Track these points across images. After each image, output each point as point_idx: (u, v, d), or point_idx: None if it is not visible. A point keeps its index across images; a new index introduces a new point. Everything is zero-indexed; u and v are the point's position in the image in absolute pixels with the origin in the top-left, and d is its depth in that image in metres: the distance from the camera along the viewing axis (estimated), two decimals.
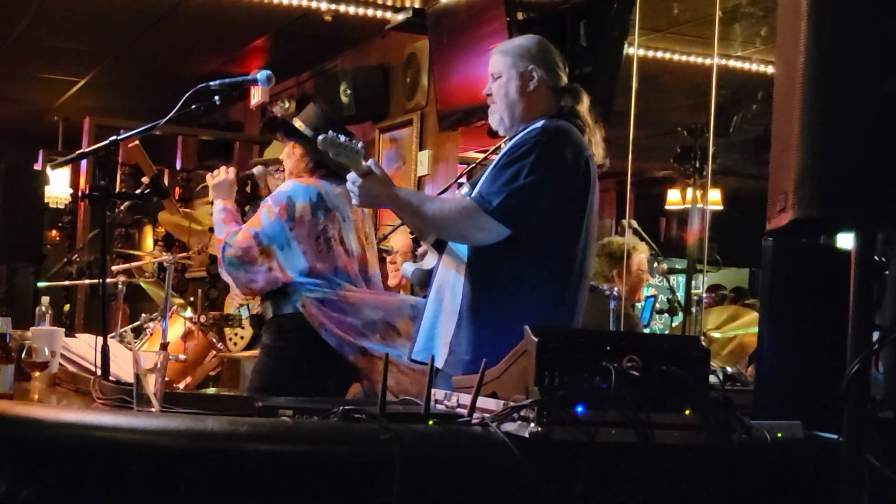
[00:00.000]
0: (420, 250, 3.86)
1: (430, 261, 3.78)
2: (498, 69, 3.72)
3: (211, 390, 5.91)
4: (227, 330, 6.39)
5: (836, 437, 2.46)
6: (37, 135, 11.95)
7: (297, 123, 4.66)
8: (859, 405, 2.31)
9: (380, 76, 8.43)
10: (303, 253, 4.41)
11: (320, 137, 3.42)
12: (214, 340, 5.61)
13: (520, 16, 6.68)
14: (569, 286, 3.58)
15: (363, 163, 3.46)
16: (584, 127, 3.68)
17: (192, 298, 6.60)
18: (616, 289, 5.89)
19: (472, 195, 3.54)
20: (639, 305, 6.74)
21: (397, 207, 3.62)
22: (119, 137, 3.53)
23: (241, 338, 6.58)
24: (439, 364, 3.50)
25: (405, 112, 8.08)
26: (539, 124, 3.59)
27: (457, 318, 3.58)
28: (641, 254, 6.21)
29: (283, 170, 6.62)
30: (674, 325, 7.01)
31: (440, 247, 3.73)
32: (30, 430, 2.39)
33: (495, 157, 3.68)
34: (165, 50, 9.43)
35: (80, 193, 9.38)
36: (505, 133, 3.75)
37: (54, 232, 11.72)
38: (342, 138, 3.44)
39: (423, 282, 3.86)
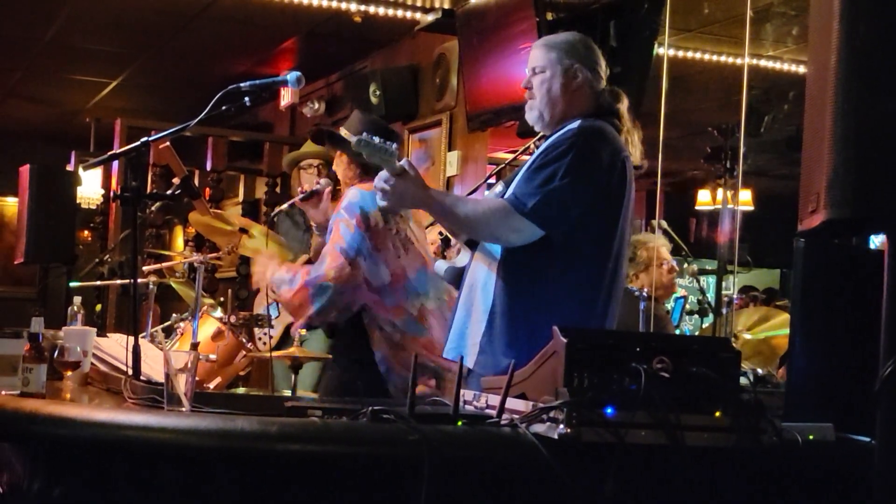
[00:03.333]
0: (452, 247, 3.85)
1: (462, 258, 3.76)
2: (541, 63, 3.67)
3: (241, 390, 5.91)
4: (255, 330, 6.40)
5: (868, 439, 2.45)
6: (69, 136, 12.02)
7: (343, 132, 4.67)
8: (892, 407, 2.29)
9: (409, 77, 8.43)
10: (384, 262, 4.39)
11: (355, 139, 3.41)
12: (244, 340, 5.61)
13: (549, 16, 6.67)
14: (602, 287, 3.54)
15: (397, 163, 3.46)
16: (621, 127, 3.65)
17: (221, 298, 6.62)
18: (646, 289, 5.87)
19: (506, 196, 3.51)
20: (668, 306, 6.71)
21: (430, 208, 3.60)
22: (150, 139, 3.55)
23: (270, 337, 6.59)
24: (469, 364, 3.49)
25: (434, 112, 8.08)
26: (576, 124, 3.55)
27: (488, 318, 3.55)
28: (662, 247, 6.16)
29: (316, 165, 6.65)
30: (704, 326, 6.98)
31: (472, 245, 3.71)
32: (62, 429, 2.41)
33: (529, 157, 3.65)
34: (196, 51, 9.47)
35: (111, 194, 9.43)
36: (541, 130, 3.71)
37: (86, 232, 11.79)
38: (376, 139, 3.42)
39: (455, 279, 3.85)
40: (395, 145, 3.44)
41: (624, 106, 3.70)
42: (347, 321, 4.54)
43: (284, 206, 4.84)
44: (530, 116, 3.71)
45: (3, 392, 3.02)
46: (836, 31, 2.25)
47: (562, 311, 3.44)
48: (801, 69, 7.52)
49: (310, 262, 6.42)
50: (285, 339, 6.44)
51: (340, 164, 4.68)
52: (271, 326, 6.40)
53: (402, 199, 3.54)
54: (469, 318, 3.62)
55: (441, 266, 4.03)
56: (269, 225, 6.14)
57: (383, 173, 3.47)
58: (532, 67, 3.70)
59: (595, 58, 3.72)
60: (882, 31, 2.22)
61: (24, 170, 8.00)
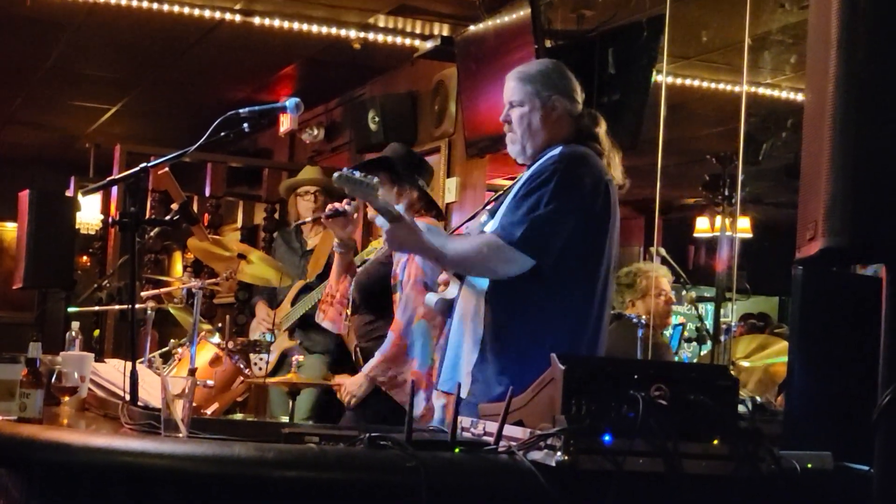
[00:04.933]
0: (441, 279, 3.86)
1: (451, 290, 3.77)
2: (518, 97, 3.68)
3: (238, 416, 5.91)
4: (252, 356, 6.39)
5: (866, 468, 2.44)
6: (68, 161, 12.04)
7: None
8: (891, 436, 2.29)
9: (408, 103, 8.45)
10: None
11: (335, 175, 3.43)
12: (242, 366, 5.61)
13: (548, 43, 6.69)
14: (591, 311, 3.55)
15: (380, 197, 3.47)
16: (602, 151, 3.65)
17: (220, 324, 6.62)
18: (644, 317, 5.87)
19: (493, 228, 3.53)
20: (667, 333, 6.71)
21: (424, 252, 3.64)
22: (149, 164, 3.55)
23: (267, 363, 6.59)
24: (463, 394, 3.48)
25: (433, 139, 8.09)
26: (557, 151, 3.56)
27: (479, 347, 3.56)
28: (662, 277, 6.18)
29: (313, 192, 6.65)
30: (702, 353, 6.98)
31: (461, 276, 3.72)
32: (59, 455, 2.40)
33: (514, 185, 3.67)
34: (195, 78, 9.49)
35: (110, 220, 9.43)
36: (524, 162, 3.72)
37: (85, 258, 11.78)
38: (356, 174, 3.44)
39: (445, 311, 3.86)
40: (375, 179, 3.45)
41: (602, 129, 3.71)
42: None
43: (309, 219, 4.84)
44: (512, 150, 3.73)
45: (1, 417, 3.02)
46: (834, 60, 2.25)
47: (551, 337, 3.44)
48: (799, 97, 7.55)
49: (307, 286, 6.44)
50: (281, 365, 6.44)
51: (391, 194, 4.69)
52: (268, 352, 6.41)
53: (398, 245, 3.60)
54: (461, 348, 3.62)
55: (431, 298, 4.06)
56: (266, 249, 6.15)
57: (380, 220, 3.50)
58: (509, 101, 3.71)
59: (570, 84, 3.73)
60: (879, 59, 2.23)
61: (24, 195, 8.00)
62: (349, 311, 4.83)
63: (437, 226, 4.42)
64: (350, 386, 4.81)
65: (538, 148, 3.65)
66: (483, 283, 3.60)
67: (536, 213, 3.43)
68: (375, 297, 4.82)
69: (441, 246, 3.57)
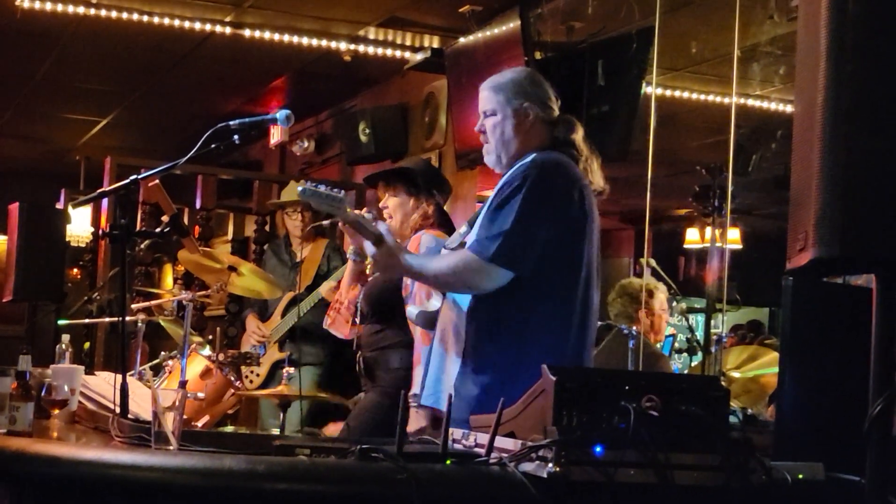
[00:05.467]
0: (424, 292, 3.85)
1: (434, 303, 3.76)
2: (491, 106, 3.67)
3: (229, 429, 5.90)
4: (242, 368, 6.39)
5: (858, 478, 2.44)
6: (59, 174, 12.01)
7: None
8: (882, 446, 2.29)
9: (398, 115, 8.46)
10: None
11: (299, 188, 3.42)
12: (232, 379, 5.60)
13: (538, 55, 6.71)
14: (573, 319, 3.51)
15: (349, 211, 3.46)
16: (578, 156, 3.63)
17: (210, 337, 6.61)
18: (636, 328, 5.88)
19: (469, 244, 3.51)
20: (657, 345, 6.71)
21: (408, 275, 3.66)
22: (139, 177, 3.55)
23: (258, 375, 6.58)
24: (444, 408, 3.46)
25: (423, 151, 8.09)
26: (529, 159, 3.55)
27: (462, 361, 3.56)
28: (661, 293, 6.21)
29: (300, 210, 6.65)
30: (693, 364, 6.98)
31: None
32: (49, 468, 2.39)
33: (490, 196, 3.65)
34: (186, 90, 9.49)
35: (100, 232, 9.41)
36: (501, 171, 3.70)
37: (75, 270, 11.75)
38: (321, 188, 3.43)
39: (427, 324, 3.85)
40: (342, 192, 3.45)
41: (579, 135, 3.68)
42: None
43: (326, 222, 4.84)
44: (489, 160, 3.72)
45: None
46: (823, 71, 2.26)
47: (534, 347, 3.41)
48: (789, 108, 7.57)
49: (296, 298, 6.45)
50: (272, 377, 6.44)
51: (408, 205, 4.68)
52: (258, 364, 6.40)
53: (388, 270, 3.64)
54: (444, 361, 3.62)
55: (413, 311, 4.06)
56: (257, 261, 6.14)
57: (368, 246, 3.51)
58: (483, 111, 3.70)
59: (543, 91, 3.71)
60: (868, 70, 2.24)
61: (14, 207, 7.98)
62: (357, 319, 4.82)
63: (445, 239, 4.42)
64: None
65: (513, 156, 3.63)
66: (464, 296, 3.59)
67: (509, 225, 3.40)
68: (384, 307, 4.80)
69: (420, 267, 3.57)
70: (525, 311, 3.46)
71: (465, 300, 3.61)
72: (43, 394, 3.47)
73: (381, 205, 4.75)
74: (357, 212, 3.59)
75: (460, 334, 3.58)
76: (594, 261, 3.61)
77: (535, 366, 3.29)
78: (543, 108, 3.67)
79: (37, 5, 7.16)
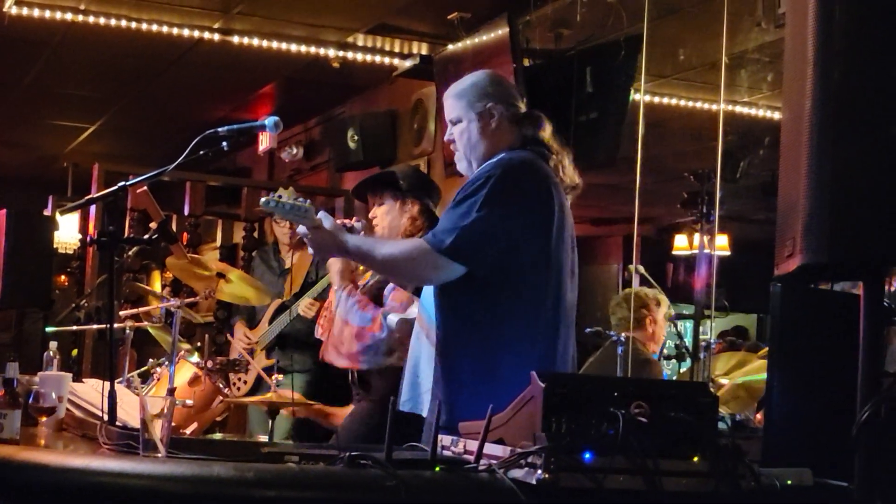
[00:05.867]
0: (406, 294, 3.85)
1: (413, 310, 3.76)
2: (455, 114, 3.65)
3: (217, 436, 5.89)
4: (230, 375, 6.38)
5: (846, 484, 2.45)
6: (46, 180, 11.99)
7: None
8: (870, 452, 2.30)
9: (387, 122, 8.46)
10: None
11: (263, 199, 3.42)
12: (221, 386, 5.59)
13: (526, 62, 6.72)
14: (542, 320, 3.44)
15: (315, 218, 3.45)
16: (548, 153, 3.58)
17: (199, 344, 6.60)
18: (625, 334, 5.89)
19: (425, 235, 3.48)
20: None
21: (349, 254, 3.60)
22: (128, 183, 3.54)
23: (245, 382, 6.57)
24: (423, 412, 3.44)
25: (412, 158, 8.10)
26: (496, 158, 3.52)
27: (433, 366, 3.51)
28: (665, 305, 6.27)
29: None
30: (681, 370, 6.98)
31: (418, 294, 3.70)
32: (36, 476, 2.39)
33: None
34: (174, 96, 9.49)
35: (88, 238, 9.40)
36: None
37: (63, 277, 11.72)
38: (283, 199, 3.42)
39: (406, 332, 3.84)
40: (308, 202, 3.44)
41: (547, 131, 3.63)
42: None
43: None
44: (461, 167, 3.69)
45: None
46: (811, 78, 2.27)
47: (503, 348, 3.37)
48: (776, 115, 7.59)
49: (284, 305, 6.44)
50: (260, 385, 6.42)
51: (394, 211, 4.68)
52: (246, 371, 6.40)
53: (321, 249, 3.54)
54: (418, 367, 3.59)
55: (393, 319, 4.05)
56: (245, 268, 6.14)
57: (301, 228, 3.49)
58: (449, 120, 3.68)
59: (507, 91, 3.69)
60: (855, 77, 2.24)
61: (1, 214, 7.95)
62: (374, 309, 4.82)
63: None
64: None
65: (481, 159, 3.60)
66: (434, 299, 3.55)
67: (467, 220, 3.34)
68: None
69: (370, 249, 3.53)
70: (493, 313, 3.40)
71: (434, 303, 3.56)
72: (30, 401, 3.46)
73: (370, 215, 4.76)
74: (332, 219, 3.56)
75: (432, 340, 3.54)
76: (566, 261, 3.54)
77: (504, 368, 3.31)
78: (508, 107, 3.63)
79: (25, 12, 7.15)
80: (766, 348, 8.52)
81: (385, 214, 4.70)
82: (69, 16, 7.26)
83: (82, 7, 7.18)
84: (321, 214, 3.47)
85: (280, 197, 3.42)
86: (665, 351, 7.19)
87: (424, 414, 3.43)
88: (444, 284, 3.47)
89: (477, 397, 2.98)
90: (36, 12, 7.18)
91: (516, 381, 3.22)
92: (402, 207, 4.72)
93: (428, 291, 3.59)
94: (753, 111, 7.80)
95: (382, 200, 4.72)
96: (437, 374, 3.49)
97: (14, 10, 7.15)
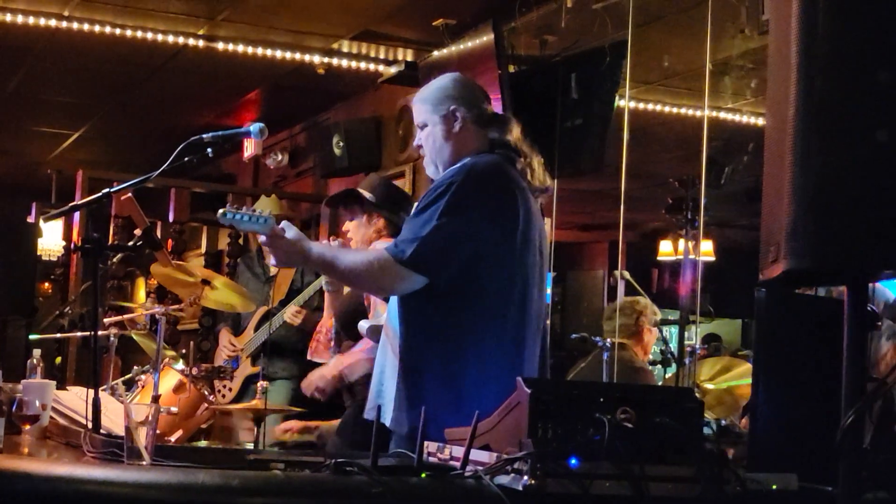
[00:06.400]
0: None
1: (383, 316, 3.75)
2: (421, 119, 3.63)
3: (203, 443, 5.87)
4: (216, 382, 6.37)
5: (830, 489, 2.45)
6: (30, 187, 11.96)
7: (364, 192, 4.75)
8: (854, 457, 2.30)
9: (372, 128, 8.46)
10: None
11: (220, 212, 3.42)
12: (206, 393, 5.58)
13: (511, 68, 6.73)
14: (507, 329, 3.40)
15: (276, 228, 3.44)
16: (515, 157, 3.53)
17: (183, 351, 6.59)
18: (609, 340, 5.91)
19: (388, 245, 3.45)
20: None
21: (311, 263, 3.59)
22: (112, 190, 3.53)
23: (230, 390, 6.56)
24: (387, 422, 3.40)
25: (397, 164, 8.10)
26: (460, 164, 3.48)
27: (398, 375, 3.45)
28: (656, 316, 6.32)
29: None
30: (667, 376, 7.00)
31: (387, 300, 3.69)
32: (19, 484, 2.37)
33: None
34: (158, 103, 9.47)
35: (72, 245, 9.39)
36: None
37: (46, 284, 11.71)
38: (242, 211, 3.42)
39: (378, 337, 3.84)
40: (268, 211, 3.44)
41: (514, 133, 3.59)
42: None
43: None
44: (429, 171, 3.67)
45: None
46: (794, 84, 2.27)
47: (466, 362, 3.34)
48: (760, 121, 7.61)
49: (269, 313, 6.43)
50: (245, 392, 6.42)
51: (364, 224, 4.72)
52: (231, 378, 6.39)
53: (283, 258, 3.51)
54: (384, 375, 3.55)
55: (363, 325, 4.04)
56: (230, 275, 6.12)
57: (262, 237, 3.48)
58: (417, 125, 3.67)
59: (472, 93, 3.65)
60: (838, 83, 2.25)
61: None
62: (333, 348, 4.87)
63: None
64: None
65: (447, 163, 3.57)
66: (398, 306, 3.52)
67: (427, 229, 3.31)
68: (354, 326, 4.82)
69: (333, 258, 3.50)
70: (455, 324, 3.37)
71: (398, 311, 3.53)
72: (14, 409, 3.45)
73: (343, 229, 4.81)
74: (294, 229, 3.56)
75: (396, 348, 3.50)
76: (532, 267, 3.50)
77: (467, 379, 3.29)
78: (471, 109, 3.59)
79: (8, 18, 7.13)
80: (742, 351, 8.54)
81: (356, 229, 4.76)
82: (53, 22, 7.24)
83: (66, 13, 7.17)
84: (284, 224, 3.46)
85: (237, 208, 3.43)
86: (650, 356, 7.22)
87: (388, 423, 3.39)
88: (405, 295, 3.43)
89: (441, 408, 2.97)
90: (20, 18, 7.16)
91: (481, 391, 3.22)
92: (368, 220, 4.77)
93: (394, 300, 3.57)
94: (737, 117, 7.82)
95: (353, 215, 4.79)
96: (400, 384, 3.43)
97: None
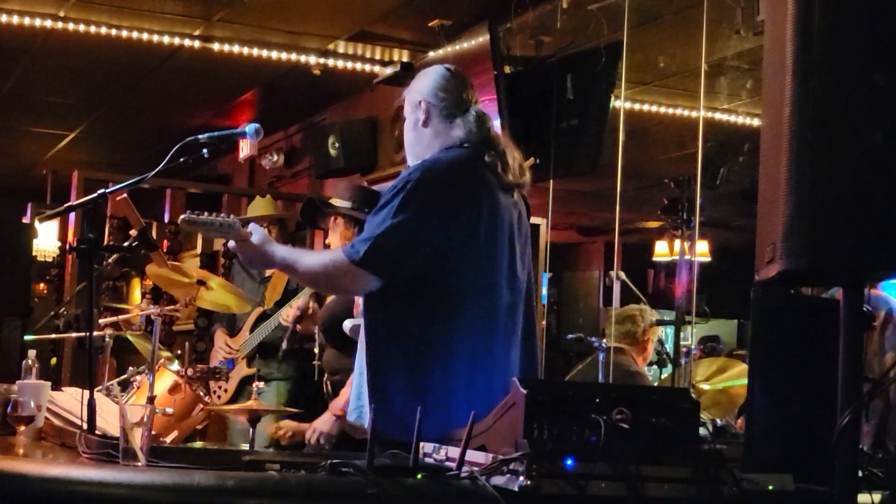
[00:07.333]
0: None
1: None
2: (405, 111, 3.63)
3: (198, 444, 5.87)
4: (211, 383, 6.36)
5: (826, 489, 2.45)
6: (25, 188, 11.95)
7: (335, 201, 4.75)
8: (850, 457, 2.30)
9: (368, 129, 8.46)
10: None
11: (182, 218, 3.44)
12: (202, 394, 5.57)
13: (507, 69, 6.73)
14: (472, 327, 3.34)
15: (241, 231, 3.46)
16: (486, 150, 3.45)
17: (179, 351, 6.58)
18: (605, 341, 5.91)
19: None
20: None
21: (275, 266, 3.59)
22: (107, 191, 3.53)
23: (225, 391, 6.55)
24: (366, 423, 3.37)
25: (393, 164, 8.10)
26: (421, 160, 3.44)
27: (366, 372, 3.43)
28: (653, 318, 6.34)
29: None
30: (663, 377, 7.00)
31: None
32: (14, 485, 2.37)
33: None
34: (154, 104, 9.47)
35: (68, 246, 9.38)
36: None
37: (42, 285, 11.68)
38: (205, 216, 3.44)
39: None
40: (232, 217, 3.47)
41: (485, 127, 3.50)
42: None
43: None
44: (409, 162, 3.61)
45: None
46: (789, 85, 2.28)
47: (429, 362, 3.29)
48: (756, 122, 7.62)
49: (265, 314, 6.43)
50: (241, 393, 6.41)
51: (337, 229, 4.74)
52: (226, 379, 6.38)
53: (251, 262, 3.58)
54: (362, 376, 3.52)
55: (347, 324, 4.03)
56: (225, 276, 6.12)
57: (231, 243, 3.50)
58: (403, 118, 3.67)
59: (445, 84, 3.57)
60: (833, 84, 2.25)
61: None
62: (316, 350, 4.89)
63: None
64: (322, 425, 4.79)
65: (417, 155, 3.53)
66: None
67: (381, 229, 3.26)
68: (339, 331, 4.82)
69: (294, 261, 3.49)
70: (417, 323, 3.33)
71: None
72: (9, 410, 3.45)
73: (326, 241, 4.84)
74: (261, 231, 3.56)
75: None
76: (500, 263, 3.43)
77: (433, 378, 3.25)
78: (443, 102, 3.53)
79: (3, 18, 7.12)
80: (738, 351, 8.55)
81: (339, 237, 4.77)
82: (49, 23, 7.24)
83: (62, 14, 7.16)
84: (252, 227, 3.49)
85: (200, 214, 3.44)
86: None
87: (366, 424, 3.37)
88: (368, 294, 3.40)
89: (407, 409, 2.92)
90: (15, 19, 7.15)
91: (448, 390, 3.20)
92: (346, 225, 4.79)
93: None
94: (733, 118, 7.82)
95: (335, 223, 4.82)
96: (369, 385, 3.39)
97: None
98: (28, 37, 7.55)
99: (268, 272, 6.68)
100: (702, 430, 2.92)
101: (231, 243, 3.50)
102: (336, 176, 8.54)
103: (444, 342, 3.31)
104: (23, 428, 3.51)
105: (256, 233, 3.47)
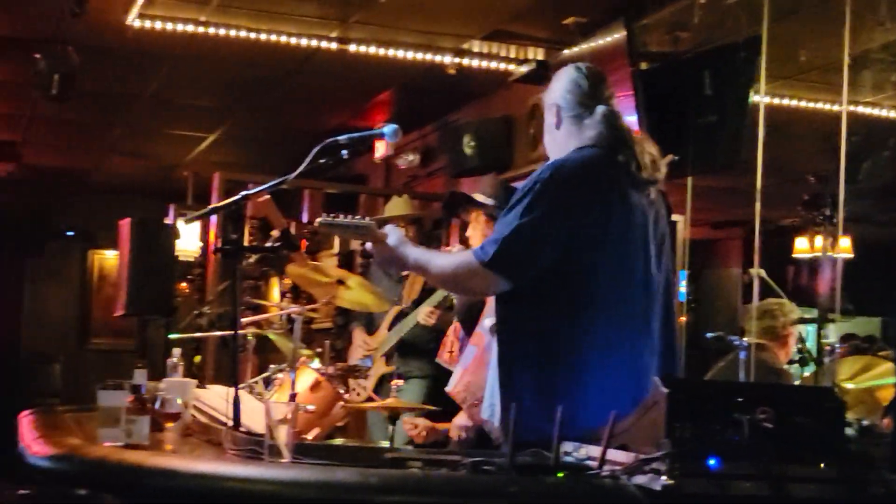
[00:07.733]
0: None
1: None
2: (545, 114, 3.63)
3: (339, 441, 5.95)
4: (350, 381, 6.43)
5: None
6: (167, 189, 12.23)
7: (478, 196, 4.76)
8: None
9: (503, 127, 8.46)
10: None
11: (318, 220, 3.47)
12: (342, 391, 5.64)
13: (643, 65, 6.67)
14: (602, 329, 3.29)
15: (377, 232, 3.51)
16: (619, 149, 3.40)
17: (318, 349, 6.67)
18: (746, 339, 5.82)
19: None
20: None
21: (410, 269, 3.62)
22: (250, 192, 3.60)
23: (364, 388, 6.62)
24: (496, 422, 3.38)
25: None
26: (549, 162, 3.41)
27: (497, 374, 3.44)
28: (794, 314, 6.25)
29: (404, 224, 6.70)
30: (804, 375, 6.86)
31: None
32: (166, 481, 2.44)
33: None
34: (292, 105, 9.60)
35: (213, 247, 9.59)
36: None
37: (184, 284, 11.96)
38: (340, 219, 3.51)
39: None
40: (368, 218, 3.53)
41: (614, 125, 3.46)
42: None
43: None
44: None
45: (107, 444, 3.07)
46: None
47: (558, 364, 3.26)
48: None
49: (403, 312, 6.48)
50: (379, 390, 6.47)
51: (478, 225, 4.75)
52: (365, 377, 6.45)
53: (385, 263, 3.66)
54: (495, 374, 3.53)
55: (487, 323, 4.05)
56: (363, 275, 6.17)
57: (369, 244, 3.56)
58: None
59: (573, 87, 3.55)
60: None
61: (124, 223, 8.13)
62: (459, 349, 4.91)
63: None
64: (461, 422, 4.81)
65: (552, 155, 3.52)
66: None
67: (509, 231, 3.24)
68: (473, 321, 4.84)
69: (427, 262, 3.50)
70: (546, 324, 3.30)
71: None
72: (156, 407, 3.54)
73: (467, 233, 4.84)
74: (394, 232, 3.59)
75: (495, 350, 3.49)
76: (635, 264, 3.39)
77: (560, 380, 3.22)
78: (574, 104, 3.51)
79: (147, 24, 7.29)
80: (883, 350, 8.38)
81: (480, 235, 4.77)
82: (190, 28, 7.39)
83: (203, 19, 7.31)
84: (388, 228, 3.55)
85: (336, 216, 3.52)
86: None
87: (496, 422, 3.39)
88: (500, 294, 3.40)
89: (534, 410, 2.92)
90: (158, 25, 7.31)
91: (576, 390, 3.17)
92: (487, 223, 4.78)
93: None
94: (877, 111, 7.63)
95: (476, 219, 4.81)
96: (500, 383, 3.41)
97: (137, 24, 7.30)
98: (170, 42, 7.72)
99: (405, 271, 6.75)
100: (847, 430, 2.85)
101: (368, 244, 3.54)
102: (471, 175, 8.56)
103: (573, 341, 3.29)
104: (170, 424, 3.60)
105: (392, 234, 3.51)
